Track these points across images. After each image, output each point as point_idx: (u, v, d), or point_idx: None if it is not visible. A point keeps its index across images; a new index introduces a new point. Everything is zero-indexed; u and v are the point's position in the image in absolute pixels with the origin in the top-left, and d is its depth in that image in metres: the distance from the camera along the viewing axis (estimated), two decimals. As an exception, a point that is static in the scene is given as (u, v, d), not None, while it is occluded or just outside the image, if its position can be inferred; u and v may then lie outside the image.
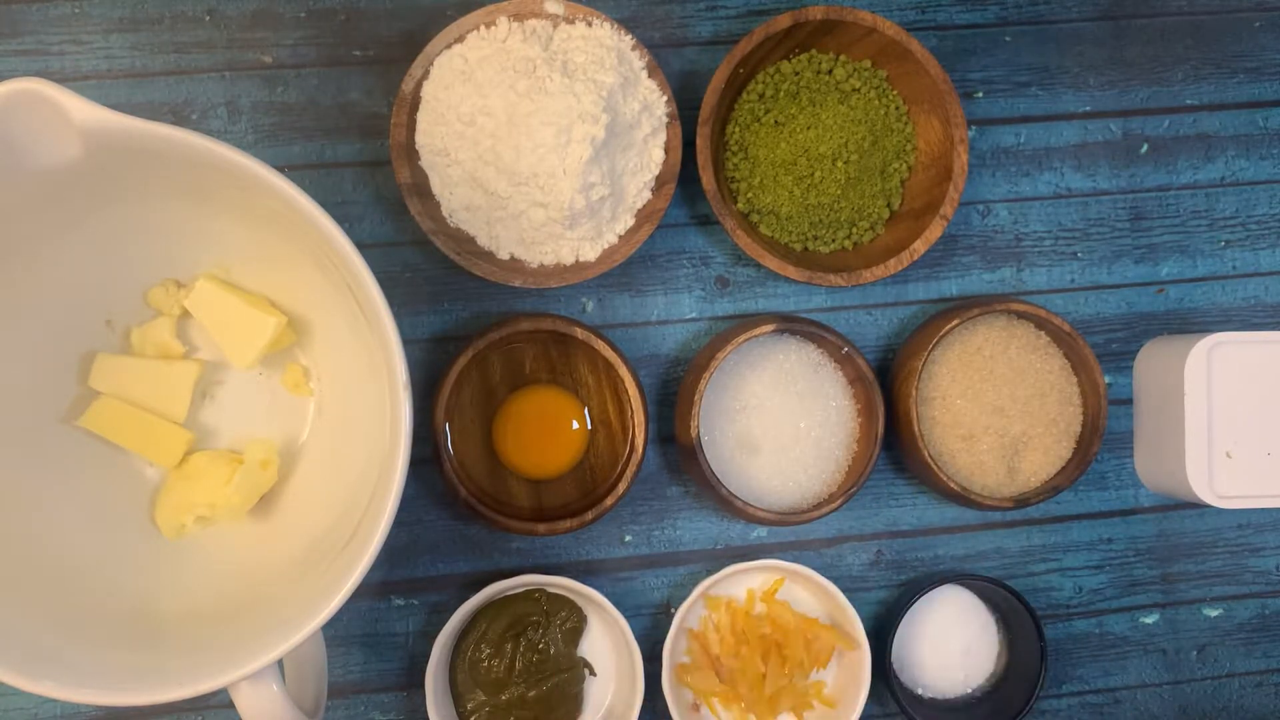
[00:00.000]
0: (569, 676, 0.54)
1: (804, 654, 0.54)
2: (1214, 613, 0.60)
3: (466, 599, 0.52)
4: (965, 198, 0.58)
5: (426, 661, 0.52)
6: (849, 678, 0.55)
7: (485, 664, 0.53)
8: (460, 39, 0.52)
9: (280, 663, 0.40)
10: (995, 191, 0.59)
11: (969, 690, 0.58)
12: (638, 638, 0.53)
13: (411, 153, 0.52)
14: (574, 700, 0.55)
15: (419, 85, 0.52)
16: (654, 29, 0.56)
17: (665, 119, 0.53)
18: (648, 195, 0.53)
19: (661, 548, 0.57)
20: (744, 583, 0.56)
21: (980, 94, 0.59)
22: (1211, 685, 0.60)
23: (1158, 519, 0.59)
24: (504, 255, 0.53)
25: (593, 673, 0.55)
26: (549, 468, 0.54)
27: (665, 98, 0.53)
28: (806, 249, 0.56)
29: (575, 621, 0.54)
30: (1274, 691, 0.60)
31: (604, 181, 0.50)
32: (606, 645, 0.56)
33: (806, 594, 0.56)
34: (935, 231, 0.54)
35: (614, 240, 0.53)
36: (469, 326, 0.56)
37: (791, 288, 0.57)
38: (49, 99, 0.36)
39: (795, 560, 0.56)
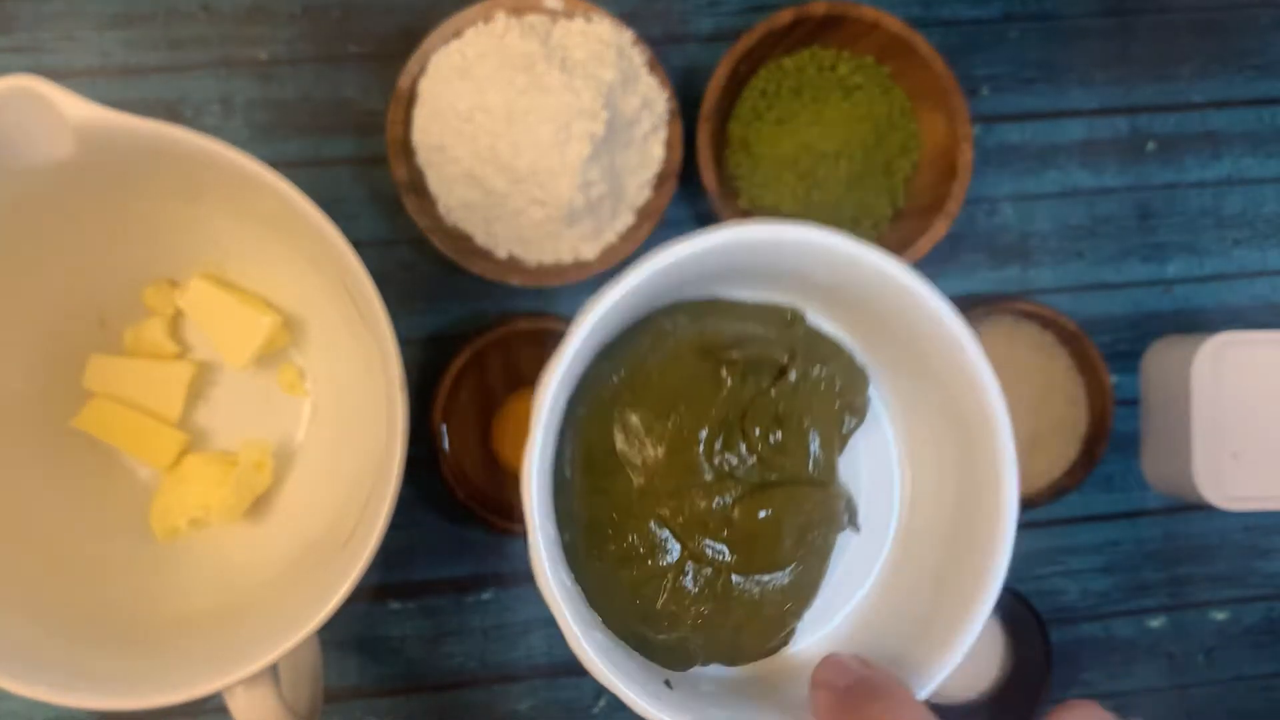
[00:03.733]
0: (820, 500, 0.29)
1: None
2: (1221, 616, 0.59)
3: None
4: (970, 195, 0.57)
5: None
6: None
7: (649, 439, 0.31)
8: (458, 34, 0.51)
9: (276, 667, 0.40)
10: (1000, 189, 0.58)
11: (973, 695, 0.57)
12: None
13: (408, 150, 0.51)
14: (815, 555, 0.29)
15: (416, 81, 0.51)
16: (654, 24, 0.56)
17: (666, 115, 0.52)
18: (648, 193, 0.53)
19: (662, 550, 0.56)
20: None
21: (985, 90, 0.58)
22: (1219, 689, 0.59)
23: (1164, 521, 0.59)
24: (502, 254, 0.52)
25: (854, 525, 0.31)
26: (548, 469, 0.53)
27: (666, 94, 0.52)
28: (809, 247, 0.55)
29: (853, 391, 0.29)
30: (1282, 695, 0.60)
31: (604, 179, 0.50)
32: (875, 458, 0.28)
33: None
34: (940, 230, 0.53)
35: (614, 239, 0.53)
36: (467, 326, 0.55)
37: (794, 287, 0.57)
38: (42, 96, 0.36)
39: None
